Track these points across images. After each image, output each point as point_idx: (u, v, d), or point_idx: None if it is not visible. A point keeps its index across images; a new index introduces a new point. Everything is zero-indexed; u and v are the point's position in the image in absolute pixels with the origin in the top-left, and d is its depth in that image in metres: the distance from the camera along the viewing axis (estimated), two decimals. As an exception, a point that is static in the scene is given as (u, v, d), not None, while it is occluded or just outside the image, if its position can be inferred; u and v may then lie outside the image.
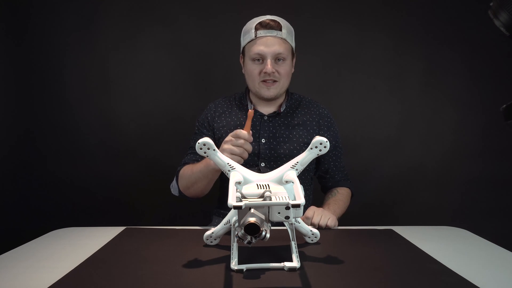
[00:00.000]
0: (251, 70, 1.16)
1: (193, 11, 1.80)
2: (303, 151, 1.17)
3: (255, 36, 1.12)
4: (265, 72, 1.13)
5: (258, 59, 1.14)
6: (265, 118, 1.21)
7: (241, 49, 1.22)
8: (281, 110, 1.22)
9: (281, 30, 1.13)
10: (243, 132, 0.94)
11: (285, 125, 1.21)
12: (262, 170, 1.14)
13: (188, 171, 1.15)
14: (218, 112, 1.26)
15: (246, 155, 0.95)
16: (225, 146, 0.95)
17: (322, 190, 1.33)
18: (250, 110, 0.95)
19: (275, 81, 1.15)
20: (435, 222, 1.15)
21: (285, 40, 1.14)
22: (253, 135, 1.17)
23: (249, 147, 0.95)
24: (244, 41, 1.18)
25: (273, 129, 1.19)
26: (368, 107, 1.86)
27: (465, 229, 1.08)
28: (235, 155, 0.93)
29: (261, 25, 1.13)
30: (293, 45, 1.20)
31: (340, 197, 1.22)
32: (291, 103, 1.26)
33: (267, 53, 1.12)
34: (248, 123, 0.95)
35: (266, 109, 1.23)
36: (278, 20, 1.14)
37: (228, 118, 1.23)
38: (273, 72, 1.13)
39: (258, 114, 1.22)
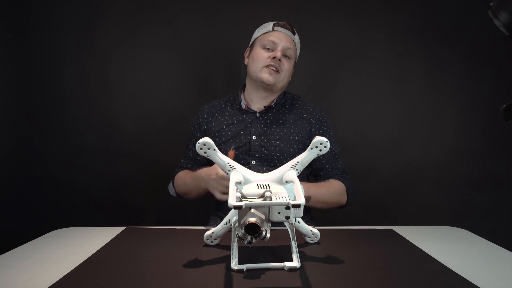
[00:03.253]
0: (260, 54, 1.21)
1: (193, 11, 1.80)
2: (293, 149, 1.20)
3: (272, 29, 1.22)
4: (274, 57, 1.18)
5: (269, 48, 1.20)
6: (257, 115, 1.23)
7: (251, 41, 1.27)
8: (272, 105, 1.24)
9: (294, 34, 1.23)
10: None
11: (276, 122, 1.21)
12: (253, 168, 1.14)
13: (181, 182, 1.21)
14: (211, 112, 1.27)
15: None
16: (213, 184, 1.01)
17: None
18: (230, 152, 1.02)
19: (278, 71, 1.19)
20: (435, 222, 1.15)
21: (295, 43, 1.23)
22: (244, 132, 1.19)
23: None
24: (258, 33, 1.25)
25: (264, 127, 1.20)
26: (368, 107, 1.86)
27: (465, 229, 1.07)
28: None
29: (279, 24, 1.23)
30: (298, 56, 1.28)
31: (327, 184, 1.16)
32: (284, 101, 1.28)
33: (280, 44, 1.20)
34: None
35: (258, 106, 1.25)
36: (293, 27, 1.25)
37: (221, 117, 1.25)
38: (280, 60, 1.18)
39: (250, 112, 1.23)
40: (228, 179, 0.92)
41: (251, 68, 1.23)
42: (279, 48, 1.19)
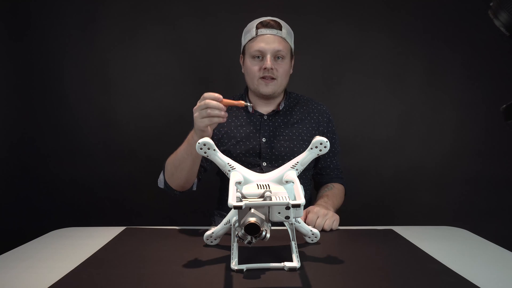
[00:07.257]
0: (251, 67, 1.17)
1: (193, 11, 1.80)
2: (303, 148, 1.19)
3: (256, 34, 1.15)
4: (264, 68, 1.14)
5: (258, 56, 1.15)
6: (265, 117, 1.22)
7: (242, 48, 1.23)
8: (280, 108, 1.23)
9: (281, 29, 1.16)
10: (210, 94, 0.93)
11: (285, 124, 1.22)
12: (265, 170, 1.15)
13: (173, 155, 1.13)
14: None
15: (217, 119, 0.94)
16: (194, 114, 0.95)
17: (316, 187, 1.32)
18: (242, 102, 0.96)
19: (273, 78, 1.16)
20: (435, 222, 1.15)
21: (285, 39, 1.16)
22: (253, 135, 1.19)
23: (219, 108, 0.93)
24: (245, 40, 1.20)
25: (273, 128, 1.20)
26: (368, 107, 1.86)
27: (465, 229, 1.07)
28: (205, 118, 0.93)
29: (262, 24, 1.16)
30: (292, 46, 1.22)
31: (336, 191, 1.22)
32: (289, 102, 1.27)
33: (267, 49, 1.13)
34: (230, 102, 0.95)
35: (265, 109, 1.24)
36: (278, 21, 1.17)
37: (228, 118, 1.23)
38: (272, 69, 1.14)
39: (257, 114, 1.23)
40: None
41: (247, 80, 1.22)
42: (268, 56, 1.13)
